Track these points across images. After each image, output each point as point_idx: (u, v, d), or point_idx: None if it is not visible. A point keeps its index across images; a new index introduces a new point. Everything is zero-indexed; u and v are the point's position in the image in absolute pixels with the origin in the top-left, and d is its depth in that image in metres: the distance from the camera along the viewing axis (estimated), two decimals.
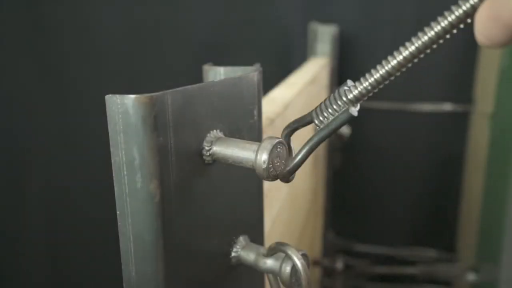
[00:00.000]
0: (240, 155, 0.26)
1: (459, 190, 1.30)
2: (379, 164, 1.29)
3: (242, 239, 0.30)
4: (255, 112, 0.31)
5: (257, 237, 0.33)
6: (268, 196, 0.45)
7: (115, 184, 0.23)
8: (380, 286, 1.29)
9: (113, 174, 0.23)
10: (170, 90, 0.23)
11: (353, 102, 0.25)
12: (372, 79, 0.24)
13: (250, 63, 0.32)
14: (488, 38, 0.21)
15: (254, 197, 0.33)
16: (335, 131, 0.25)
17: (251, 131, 0.30)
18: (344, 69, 1.17)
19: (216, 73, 0.32)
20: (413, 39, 0.23)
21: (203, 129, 0.26)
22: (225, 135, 0.27)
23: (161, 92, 0.22)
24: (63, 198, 1.26)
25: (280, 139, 0.26)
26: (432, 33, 0.23)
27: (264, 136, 0.32)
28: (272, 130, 0.44)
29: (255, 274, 0.32)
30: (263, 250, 0.29)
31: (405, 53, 0.23)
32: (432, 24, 0.23)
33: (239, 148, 0.26)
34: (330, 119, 0.25)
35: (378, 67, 0.24)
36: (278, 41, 1.20)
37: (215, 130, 0.27)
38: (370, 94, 0.25)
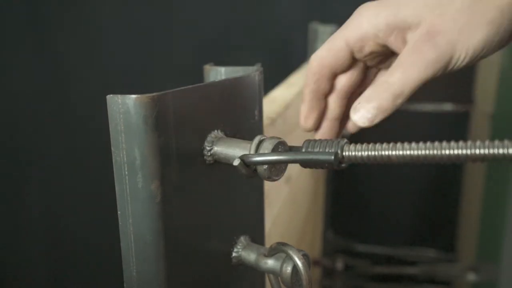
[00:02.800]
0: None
1: (459, 190, 1.30)
2: (379, 164, 1.28)
3: (242, 239, 0.30)
4: (256, 112, 0.31)
5: (257, 237, 0.33)
6: (269, 196, 0.45)
7: (116, 184, 0.23)
8: (380, 286, 1.29)
9: (114, 174, 0.23)
10: (171, 90, 0.23)
11: (340, 157, 0.24)
12: (367, 153, 0.24)
13: (250, 63, 0.32)
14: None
15: (255, 197, 0.33)
16: (308, 161, 0.24)
17: (252, 131, 0.30)
18: None
19: (217, 73, 0.32)
20: (422, 145, 0.23)
21: (204, 129, 0.26)
22: (226, 135, 0.27)
23: (162, 92, 0.22)
24: (63, 198, 1.26)
25: (281, 139, 0.26)
26: (440, 152, 0.22)
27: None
28: (273, 130, 0.44)
29: (256, 274, 0.32)
30: (264, 250, 0.29)
31: (407, 152, 0.23)
32: (445, 144, 0.22)
33: (240, 148, 0.26)
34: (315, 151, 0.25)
35: (379, 146, 0.24)
36: (278, 41, 1.20)
37: (216, 130, 0.27)
38: (361, 163, 0.24)
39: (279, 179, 0.27)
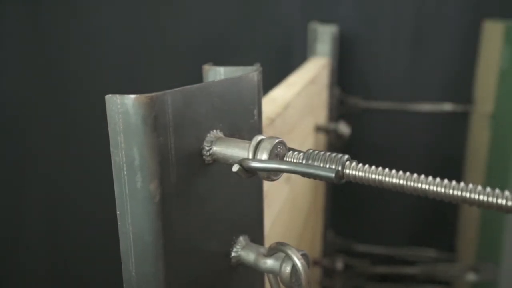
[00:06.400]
0: (240, 155, 0.26)
1: None
2: (379, 164, 1.28)
3: (242, 239, 0.30)
4: (255, 112, 0.31)
5: (257, 237, 0.33)
6: (268, 196, 0.45)
7: (115, 184, 0.23)
8: (380, 286, 1.29)
9: (113, 174, 0.23)
10: (170, 90, 0.23)
11: (340, 175, 0.24)
12: (367, 174, 0.24)
13: (250, 63, 0.32)
14: None
15: (254, 197, 0.33)
16: (308, 174, 0.24)
17: (251, 131, 0.30)
18: (344, 69, 1.17)
19: (216, 73, 0.32)
20: (418, 178, 0.23)
21: (203, 129, 0.26)
22: (225, 135, 0.27)
23: (161, 92, 0.22)
24: (63, 198, 1.26)
25: (280, 139, 0.26)
26: (445, 191, 0.22)
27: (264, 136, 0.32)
28: (272, 130, 0.44)
29: (255, 274, 0.32)
30: (263, 250, 0.29)
31: (409, 183, 0.23)
32: (447, 183, 0.22)
33: (239, 148, 0.26)
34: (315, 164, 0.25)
35: (380, 171, 0.24)
36: (278, 41, 1.20)
37: (215, 130, 0.27)
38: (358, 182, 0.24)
39: (278, 179, 0.27)
